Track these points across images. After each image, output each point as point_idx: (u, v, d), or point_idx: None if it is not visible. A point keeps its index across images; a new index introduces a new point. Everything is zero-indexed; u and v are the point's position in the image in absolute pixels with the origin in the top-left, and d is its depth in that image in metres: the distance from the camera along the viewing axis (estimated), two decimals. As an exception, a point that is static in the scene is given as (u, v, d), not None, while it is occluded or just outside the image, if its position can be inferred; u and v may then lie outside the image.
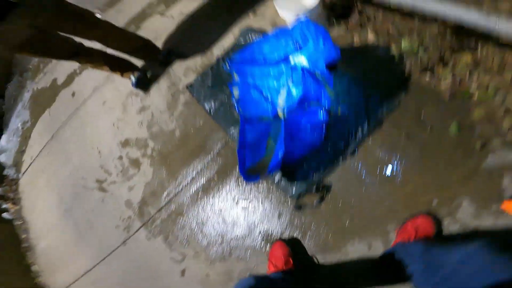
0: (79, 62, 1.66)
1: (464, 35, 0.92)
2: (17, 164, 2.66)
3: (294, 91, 0.94)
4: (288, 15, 1.29)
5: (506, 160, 0.81)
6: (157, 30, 2.26)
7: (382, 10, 1.22)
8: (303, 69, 0.93)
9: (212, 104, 1.49)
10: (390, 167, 0.95)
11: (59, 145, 2.29)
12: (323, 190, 1.07)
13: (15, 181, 2.56)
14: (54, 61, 3.31)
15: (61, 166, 2.17)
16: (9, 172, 2.69)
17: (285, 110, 0.93)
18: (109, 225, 1.71)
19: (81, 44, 1.61)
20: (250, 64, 1.08)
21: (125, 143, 1.80)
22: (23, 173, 2.52)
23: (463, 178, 0.85)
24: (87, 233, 1.82)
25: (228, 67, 1.08)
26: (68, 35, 1.51)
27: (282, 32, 1.08)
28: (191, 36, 1.92)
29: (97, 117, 2.09)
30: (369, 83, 1.08)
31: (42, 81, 3.25)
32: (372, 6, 1.25)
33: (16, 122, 3.18)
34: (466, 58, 0.93)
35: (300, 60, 0.97)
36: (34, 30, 1.34)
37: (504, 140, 0.82)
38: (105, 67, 1.75)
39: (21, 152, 2.70)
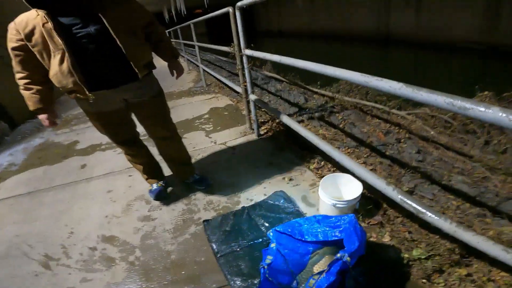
0: (125, 151, 1.71)
1: (467, 252, 1.19)
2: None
3: (327, 278, 1.02)
4: (325, 197, 1.42)
5: None
6: (196, 146, 2.46)
7: (402, 216, 1.45)
8: (345, 263, 1.02)
9: (222, 248, 1.42)
10: None
11: (29, 205, 2.09)
12: None
13: None
14: (88, 123, 3.55)
15: (14, 224, 1.90)
16: None
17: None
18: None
19: (138, 134, 1.73)
20: (287, 237, 1.20)
21: (108, 239, 1.61)
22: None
23: None
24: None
25: (271, 235, 1.19)
26: (134, 123, 1.63)
27: (326, 220, 1.22)
28: (225, 173, 2.04)
29: (92, 201, 1.97)
30: (374, 277, 1.21)
31: (62, 136, 3.32)
32: (395, 209, 1.50)
33: (4, 159, 3.06)
34: (461, 271, 1.15)
35: (344, 255, 1.05)
36: (122, 106, 1.46)
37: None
38: (139, 166, 1.80)
39: (-18, 188, 2.43)
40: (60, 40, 1.17)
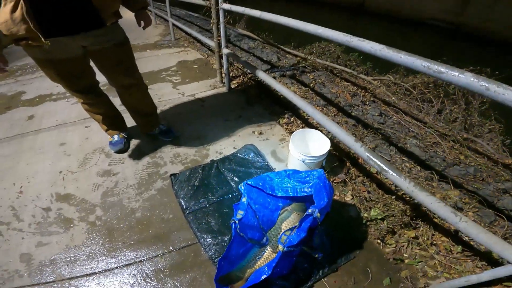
0: (82, 100, 1.50)
1: (416, 214, 1.29)
2: None
3: (298, 234, 1.00)
4: (296, 152, 1.39)
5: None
6: (162, 97, 2.22)
7: (363, 175, 1.51)
8: (315, 219, 1.00)
9: (191, 204, 1.33)
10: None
11: None
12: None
13: None
14: (36, 74, 3.02)
15: None
16: None
17: (286, 246, 0.98)
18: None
19: (98, 83, 1.53)
20: (258, 192, 1.15)
21: (63, 198, 1.42)
22: None
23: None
24: None
25: (242, 188, 1.12)
26: (92, 71, 1.45)
27: (296, 175, 1.17)
28: (193, 125, 1.88)
29: (42, 155, 1.71)
30: (337, 236, 1.24)
31: (6, 87, 2.80)
32: (357, 167, 1.54)
33: None
34: (409, 234, 1.23)
35: (315, 211, 1.02)
36: (80, 53, 1.30)
37: (418, 291, 1.13)
38: (98, 116, 1.59)
39: None
40: None
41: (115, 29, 1.34)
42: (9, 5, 1.04)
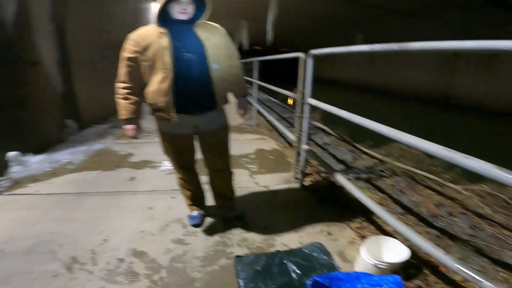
0: (181, 175, 1.78)
1: None
2: (15, 183, 2.57)
3: None
4: (367, 255, 1.40)
5: None
6: (239, 184, 2.49)
7: (444, 283, 1.41)
8: None
9: (249, 286, 1.42)
10: None
11: (73, 205, 2.21)
12: None
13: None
14: (145, 139, 3.73)
15: (52, 220, 1.98)
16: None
17: None
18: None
19: (196, 162, 1.80)
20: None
21: (138, 254, 1.67)
22: (3, 193, 2.39)
23: None
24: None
25: (310, 283, 1.18)
26: (195, 149, 1.68)
27: (367, 277, 1.20)
28: (264, 215, 2.06)
29: (132, 214, 2.09)
30: None
31: (120, 146, 3.62)
32: (436, 274, 1.48)
33: (64, 156, 3.34)
34: None
35: None
36: (192, 132, 1.52)
37: None
38: (187, 192, 1.88)
39: (33, 179, 2.66)
40: (169, 60, 1.30)
41: (222, 113, 1.56)
42: (161, 75, 1.24)
